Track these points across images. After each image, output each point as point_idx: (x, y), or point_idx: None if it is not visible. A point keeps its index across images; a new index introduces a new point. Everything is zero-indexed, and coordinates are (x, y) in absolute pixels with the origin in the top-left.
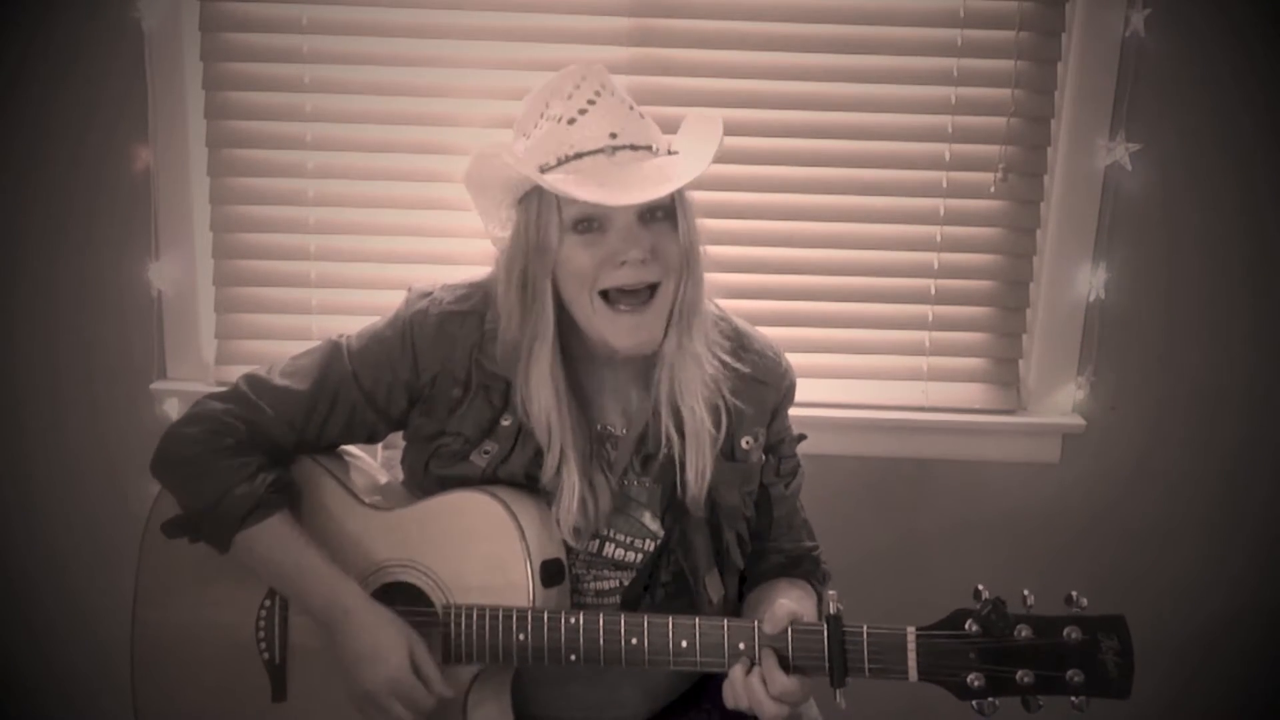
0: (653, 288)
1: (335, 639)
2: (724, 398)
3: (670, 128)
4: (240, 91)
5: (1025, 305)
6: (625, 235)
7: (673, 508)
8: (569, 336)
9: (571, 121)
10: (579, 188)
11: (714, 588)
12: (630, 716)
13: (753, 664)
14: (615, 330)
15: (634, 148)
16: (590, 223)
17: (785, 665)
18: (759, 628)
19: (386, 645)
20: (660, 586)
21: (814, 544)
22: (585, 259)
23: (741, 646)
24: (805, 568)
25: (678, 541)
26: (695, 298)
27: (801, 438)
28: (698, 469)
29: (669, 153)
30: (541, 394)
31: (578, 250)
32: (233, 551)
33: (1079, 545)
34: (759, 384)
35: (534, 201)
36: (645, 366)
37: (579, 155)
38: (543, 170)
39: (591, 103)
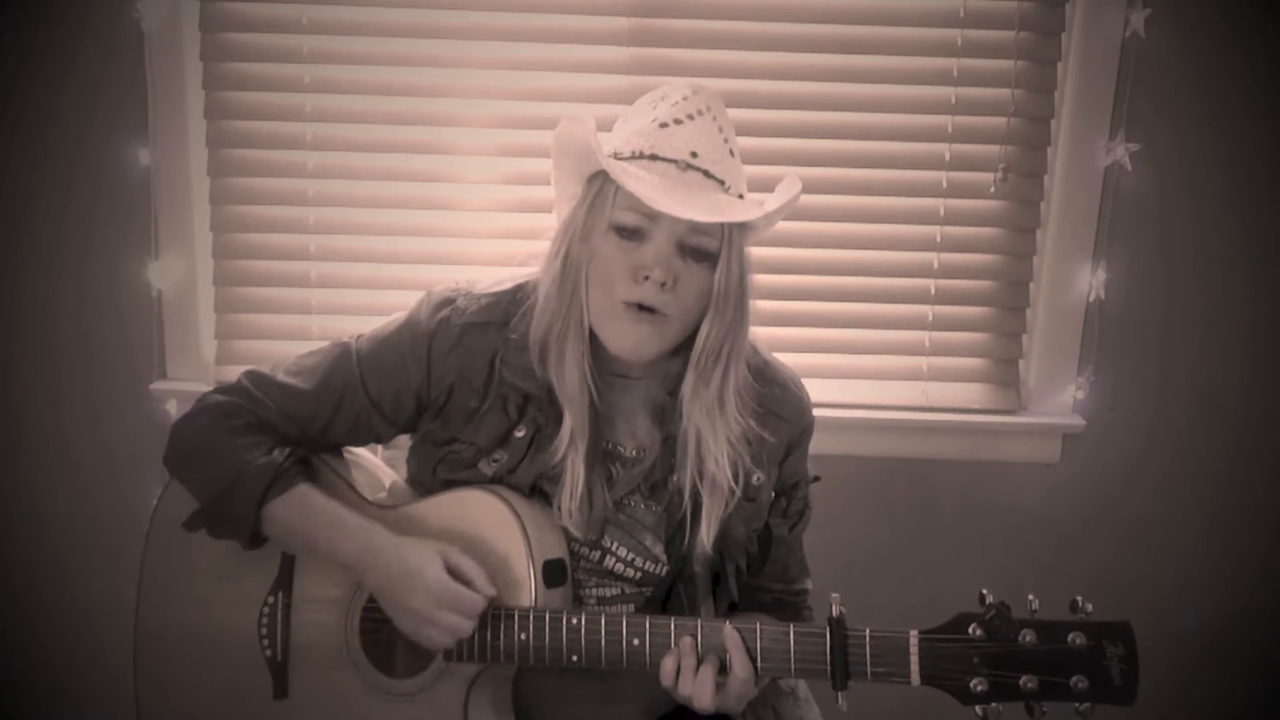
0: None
1: (372, 580)
2: (745, 454)
3: None
4: (240, 91)
5: (1025, 305)
6: (657, 254)
7: (677, 538)
8: (594, 347)
9: (664, 125)
10: (634, 181)
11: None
12: None
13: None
14: (617, 328)
15: (707, 174)
16: (632, 231)
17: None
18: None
19: (417, 561)
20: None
21: (804, 586)
22: (615, 263)
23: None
24: (787, 616)
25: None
26: (722, 347)
27: (815, 479)
28: (710, 524)
29: (739, 196)
30: (573, 374)
31: (612, 251)
32: (260, 529)
33: (1078, 545)
34: (776, 419)
35: (596, 186)
36: (659, 395)
37: (654, 157)
38: (618, 157)
39: (691, 117)
